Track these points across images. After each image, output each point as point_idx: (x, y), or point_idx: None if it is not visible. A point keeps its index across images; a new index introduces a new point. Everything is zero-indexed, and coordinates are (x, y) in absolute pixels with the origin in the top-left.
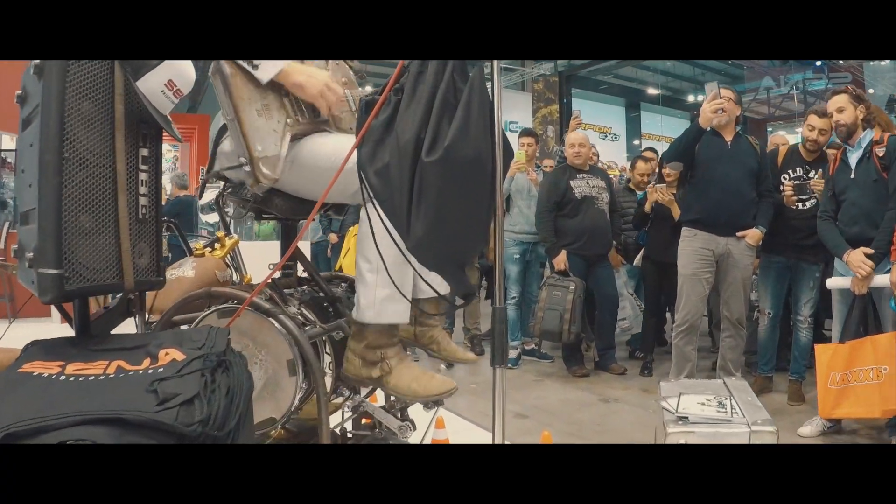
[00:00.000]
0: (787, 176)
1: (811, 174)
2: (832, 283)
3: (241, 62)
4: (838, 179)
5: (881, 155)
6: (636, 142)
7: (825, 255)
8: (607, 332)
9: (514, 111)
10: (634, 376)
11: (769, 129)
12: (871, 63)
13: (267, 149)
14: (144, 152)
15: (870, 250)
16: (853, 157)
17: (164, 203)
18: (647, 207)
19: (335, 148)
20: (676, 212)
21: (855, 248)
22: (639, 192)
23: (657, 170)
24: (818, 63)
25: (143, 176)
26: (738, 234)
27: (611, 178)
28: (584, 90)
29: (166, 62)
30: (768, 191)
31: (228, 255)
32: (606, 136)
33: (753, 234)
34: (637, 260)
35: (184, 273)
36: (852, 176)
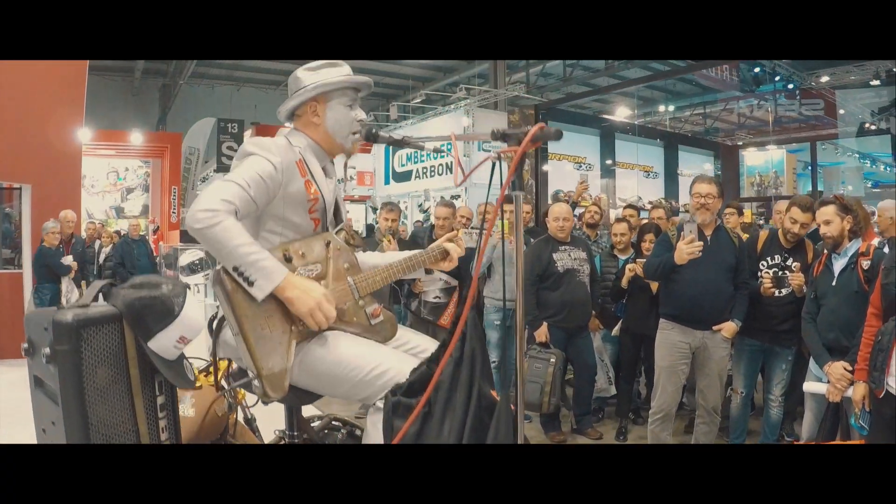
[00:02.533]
0: (765, 263)
1: (789, 261)
2: (809, 387)
3: (238, 279)
4: (820, 283)
5: (866, 268)
6: (608, 161)
7: (798, 338)
8: (584, 398)
9: (487, 130)
10: (609, 441)
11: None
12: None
13: (274, 365)
14: (161, 400)
15: (849, 367)
16: (837, 265)
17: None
18: (624, 283)
19: (341, 357)
20: (655, 285)
21: (830, 353)
22: (621, 257)
23: (637, 230)
24: (790, 86)
25: (162, 423)
26: (715, 327)
27: (591, 249)
28: (559, 122)
29: (178, 320)
30: (745, 282)
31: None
32: (581, 166)
33: (729, 328)
34: (616, 330)
35: (184, 412)
36: (834, 283)
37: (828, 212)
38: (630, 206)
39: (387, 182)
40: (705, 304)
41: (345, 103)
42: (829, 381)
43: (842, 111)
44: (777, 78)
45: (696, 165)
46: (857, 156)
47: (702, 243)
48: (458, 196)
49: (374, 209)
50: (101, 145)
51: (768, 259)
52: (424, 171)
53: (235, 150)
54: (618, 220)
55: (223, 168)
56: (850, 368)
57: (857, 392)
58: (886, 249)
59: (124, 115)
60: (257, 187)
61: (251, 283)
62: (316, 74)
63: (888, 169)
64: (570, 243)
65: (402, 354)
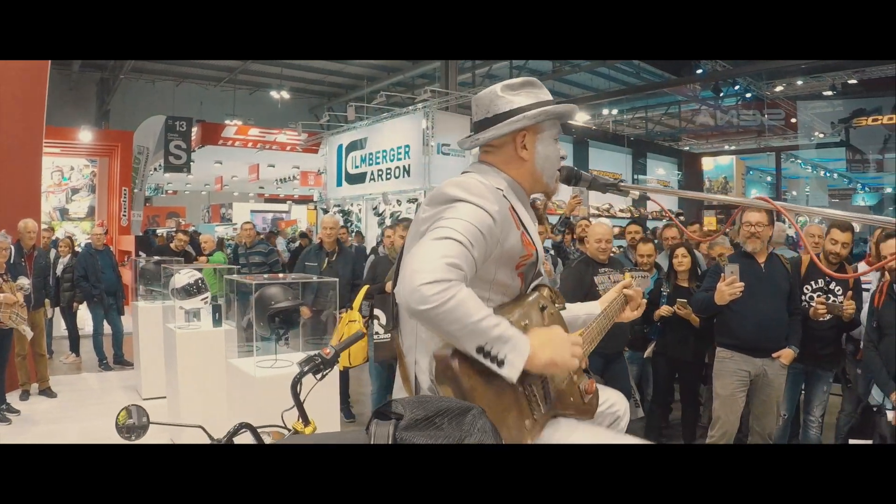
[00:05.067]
0: (809, 287)
1: (832, 285)
2: None
3: (483, 361)
4: (884, 313)
5: None
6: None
7: (838, 362)
8: None
9: (447, 134)
10: None
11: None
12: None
13: None
14: None
15: None
16: None
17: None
18: (657, 316)
19: None
20: (695, 320)
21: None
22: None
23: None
24: (748, 95)
25: None
26: (774, 354)
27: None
28: None
29: None
30: (798, 309)
31: None
32: None
33: (788, 355)
34: (648, 352)
35: None
36: None
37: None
38: (634, 221)
39: (339, 184)
40: (767, 332)
41: (554, 135)
42: (894, 409)
43: (793, 119)
44: (736, 87)
45: (652, 172)
46: (800, 162)
47: (743, 284)
48: (416, 199)
49: (325, 211)
50: (46, 143)
51: (812, 283)
52: (380, 173)
53: (183, 149)
54: (644, 239)
55: (170, 167)
56: None
57: None
58: None
59: (62, 110)
60: (479, 245)
61: (501, 363)
62: (521, 96)
63: (828, 174)
64: (609, 265)
65: None
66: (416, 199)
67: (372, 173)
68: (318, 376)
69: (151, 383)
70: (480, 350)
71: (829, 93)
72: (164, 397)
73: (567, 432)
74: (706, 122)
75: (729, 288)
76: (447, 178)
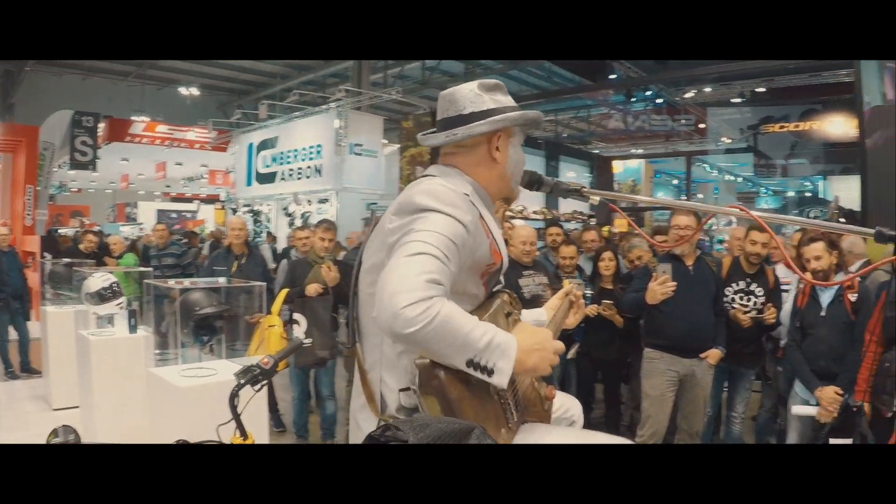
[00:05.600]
0: (731, 288)
1: (752, 286)
2: (798, 410)
3: (475, 374)
4: (807, 314)
5: (853, 301)
6: None
7: (759, 360)
8: None
9: (360, 134)
10: None
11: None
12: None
13: None
14: None
15: (840, 391)
16: (824, 297)
17: None
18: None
19: None
20: (619, 321)
21: (819, 379)
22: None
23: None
24: (658, 101)
25: None
26: (701, 355)
27: (551, 272)
28: None
29: None
30: (722, 310)
31: None
32: None
33: (715, 355)
34: (572, 353)
35: None
36: (822, 314)
37: (817, 248)
38: (554, 223)
39: (248, 183)
40: (696, 333)
41: (521, 141)
42: (818, 405)
43: (702, 125)
44: (648, 93)
45: (564, 175)
46: (706, 166)
47: (675, 283)
48: (327, 200)
49: (235, 210)
50: None
51: (733, 285)
52: (290, 172)
53: (90, 146)
54: (566, 242)
55: (76, 164)
56: (841, 392)
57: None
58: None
59: None
60: (454, 258)
61: (491, 372)
62: (496, 98)
63: (733, 179)
64: (533, 267)
65: None
66: (327, 200)
67: (283, 173)
68: (257, 387)
69: (62, 392)
70: (471, 363)
71: (738, 100)
72: (77, 407)
73: (542, 434)
74: (618, 126)
75: (661, 287)
76: (359, 178)
